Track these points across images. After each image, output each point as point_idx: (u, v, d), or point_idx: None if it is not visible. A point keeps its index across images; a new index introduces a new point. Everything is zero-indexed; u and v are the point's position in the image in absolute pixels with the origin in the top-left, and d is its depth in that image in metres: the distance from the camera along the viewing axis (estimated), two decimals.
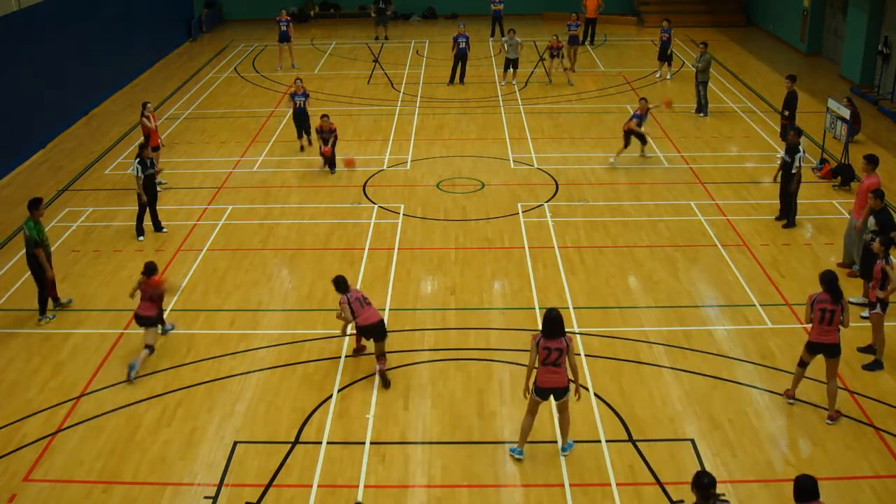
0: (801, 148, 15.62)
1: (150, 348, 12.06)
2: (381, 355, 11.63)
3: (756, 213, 16.71)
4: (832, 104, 19.03)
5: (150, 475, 10.04)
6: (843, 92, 22.55)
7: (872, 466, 9.98)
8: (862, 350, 12.11)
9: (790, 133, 16.16)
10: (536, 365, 9.78)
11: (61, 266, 14.76)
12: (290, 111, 20.75)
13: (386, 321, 13.10)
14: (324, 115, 19.10)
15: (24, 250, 13.61)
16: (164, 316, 12.74)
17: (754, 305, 13.44)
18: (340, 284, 11.82)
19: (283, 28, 28.10)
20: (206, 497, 9.68)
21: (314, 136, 19.76)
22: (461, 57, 25.79)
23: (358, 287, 14.13)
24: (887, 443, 10.36)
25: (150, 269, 12.37)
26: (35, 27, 21.44)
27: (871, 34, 24.46)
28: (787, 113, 18.99)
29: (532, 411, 10.02)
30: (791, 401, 11.09)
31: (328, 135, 19.03)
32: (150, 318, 12.14)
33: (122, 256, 15.44)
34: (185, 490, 9.80)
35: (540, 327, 10.13)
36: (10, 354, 12.57)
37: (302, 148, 20.61)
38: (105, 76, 25.61)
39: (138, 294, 12.29)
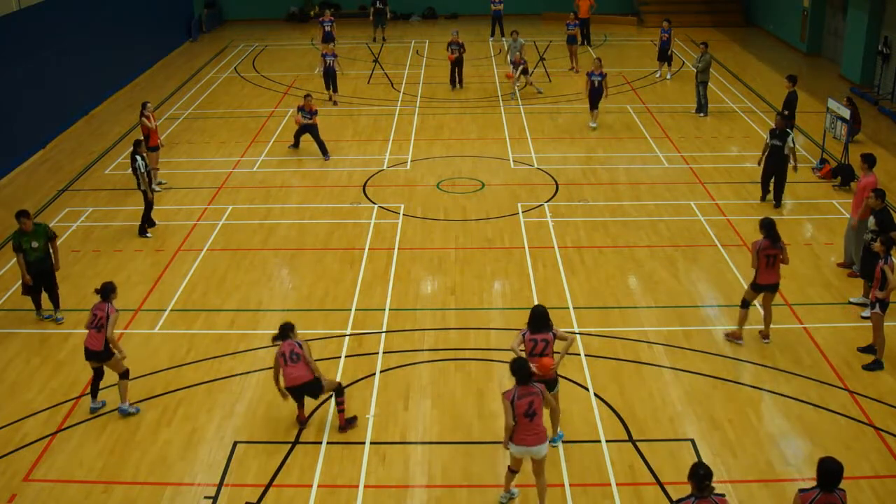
0: (789, 130, 16.62)
1: (123, 374, 11.01)
2: (337, 402, 10.73)
3: (756, 214, 16.69)
4: (832, 104, 19.03)
5: (150, 475, 10.04)
6: (843, 92, 22.54)
7: (872, 466, 9.98)
8: (862, 350, 12.12)
9: (776, 118, 17.01)
10: (521, 354, 9.82)
11: (61, 266, 14.72)
12: (320, 68, 24.15)
13: (386, 321, 13.16)
14: (307, 95, 20.24)
15: None
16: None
17: (754, 305, 13.41)
18: (281, 332, 10.55)
19: (328, 28, 27.93)
20: (206, 497, 9.68)
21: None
22: (456, 63, 25.23)
23: (357, 288, 14.14)
24: (887, 443, 10.36)
25: (107, 289, 10.95)
26: (35, 27, 21.45)
27: (871, 34, 24.46)
28: (786, 113, 18.98)
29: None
30: (740, 341, 12.31)
31: (309, 115, 19.81)
32: (98, 353, 10.78)
33: (122, 256, 15.44)
34: (185, 490, 9.80)
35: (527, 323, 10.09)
36: (10, 354, 12.58)
37: (330, 98, 23.99)
38: (105, 76, 25.61)
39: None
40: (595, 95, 21.59)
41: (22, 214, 13.12)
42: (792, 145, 16.34)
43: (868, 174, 14.10)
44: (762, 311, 12.39)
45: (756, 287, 12.12)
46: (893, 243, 11.97)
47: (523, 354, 9.71)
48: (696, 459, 10.06)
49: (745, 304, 12.30)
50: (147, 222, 16.19)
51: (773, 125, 17.07)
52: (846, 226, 14.65)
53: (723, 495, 7.67)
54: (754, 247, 11.89)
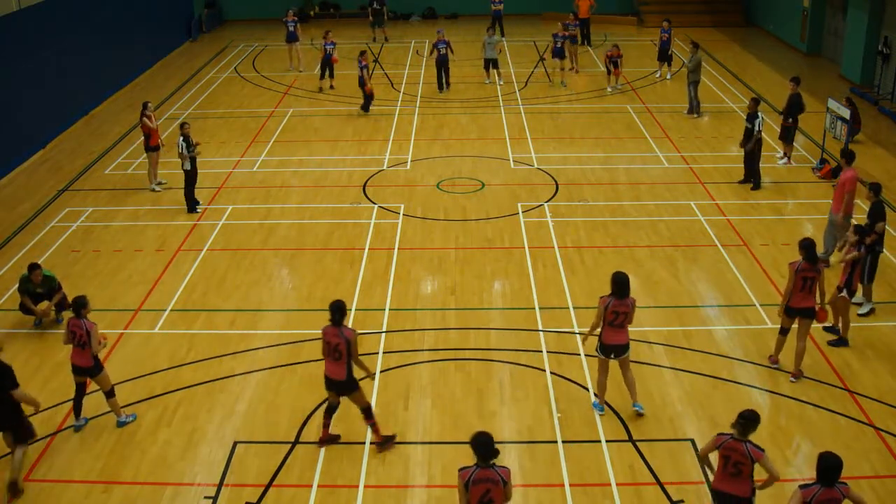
0: (759, 113, 17.59)
1: (110, 392, 10.79)
2: (365, 415, 10.23)
3: (756, 213, 16.72)
4: (832, 104, 19.03)
5: (150, 475, 10.04)
6: (843, 92, 22.53)
7: (873, 466, 9.98)
8: (832, 343, 12.37)
9: (749, 103, 18.12)
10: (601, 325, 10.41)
11: (61, 266, 14.76)
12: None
13: (386, 321, 13.16)
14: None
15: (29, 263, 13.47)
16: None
17: (754, 305, 13.44)
18: (335, 313, 9.88)
19: (291, 28, 27.66)
20: (206, 497, 9.68)
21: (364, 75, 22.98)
22: (442, 63, 24.98)
23: (357, 288, 14.14)
24: (887, 443, 10.36)
25: (78, 304, 10.53)
26: (35, 27, 21.45)
27: (871, 34, 24.46)
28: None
29: (603, 369, 10.69)
30: (775, 366, 11.79)
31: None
32: (87, 368, 10.54)
33: (122, 256, 15.44)
34: (185, 490, 9.80)
35: (610, 292, 10.35)
36: (10, 354, 12.49)
37: (321, 89, 25.45)
38: (105, 76, 25.61)
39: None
40: (612, 68, 25.20)
41: (33, 267, 12.91)
42: (758, 129, 17.39)
43: (847, 169, 14.29)
44: (796, 348, 11.49)
45: (790, 311, 11.35)
46: (865, 233, 12.37)
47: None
48: (696, 459, 10.07)
49: (783, 331, 11.64)
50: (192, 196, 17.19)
51: (750, 111, 17.85)
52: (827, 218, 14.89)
53: (761, 449, 8.02)
54: (792, 268, 11.18)
